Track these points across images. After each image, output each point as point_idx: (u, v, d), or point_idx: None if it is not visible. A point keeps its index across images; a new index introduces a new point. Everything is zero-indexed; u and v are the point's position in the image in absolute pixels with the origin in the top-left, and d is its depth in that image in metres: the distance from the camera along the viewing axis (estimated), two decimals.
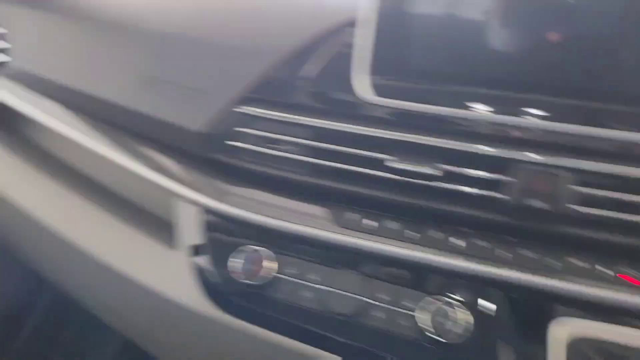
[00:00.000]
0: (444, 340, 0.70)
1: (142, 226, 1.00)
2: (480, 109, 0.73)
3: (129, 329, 1.10)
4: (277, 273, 0.80)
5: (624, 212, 0.69)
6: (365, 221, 0.80)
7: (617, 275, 0.69)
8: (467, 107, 0.73)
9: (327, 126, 0.81)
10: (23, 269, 1.70)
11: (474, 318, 0.71)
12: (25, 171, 1.20)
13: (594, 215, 0.70)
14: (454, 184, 0.76)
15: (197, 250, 0.88)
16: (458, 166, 0.75)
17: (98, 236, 1.02)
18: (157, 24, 0.99)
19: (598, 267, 0.70)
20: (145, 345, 1.06)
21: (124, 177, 1.04)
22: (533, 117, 0.71)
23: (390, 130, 0.78)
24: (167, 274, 0.91)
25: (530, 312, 0.70)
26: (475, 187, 0.75)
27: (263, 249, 0.82)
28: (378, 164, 0.79)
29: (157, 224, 1.01)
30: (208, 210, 0.89)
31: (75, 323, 2.00)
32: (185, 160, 0.96)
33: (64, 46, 1.15)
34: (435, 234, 0.76)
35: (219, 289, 0.84)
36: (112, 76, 1.04)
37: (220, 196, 0.89)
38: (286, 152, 0.85)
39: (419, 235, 0.77)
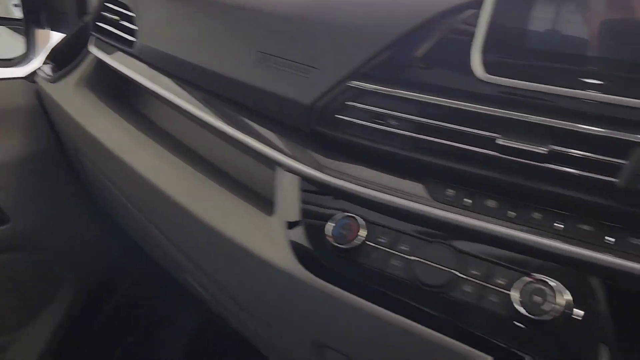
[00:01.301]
0: (537, 319, 0.69)
1: (244, 194, 1.06)
2: (593, 89, 0.72)
3: (225, 292, 1.15)
4: (369, 241, 0.82)
5: None
6: (464, 198, 0.80)
7: None
8: (578, 86, 0.72)
9: (436, 102, 0.82)
10: (124, 236, 1.84)
11: (573, 300, 0.69)
12: (142, 139, 1.31)
13: None
14: (561, 165, 0.74)
15: (295, 217, 0.92)
16: (567, 147, 0.74)
17: (203, 200, 1.09)
18: (274, 4, 1.05)
19: None
20: (237, 309, 1.12)
21: (227, 147, 1.12)
22: None
23: (499, 109, 0.78)
24: (266, 238, 0.95)
25: (634, 303, 0.67)
26: (584, 170, 0.73)
27: (357, 216, 0.84)
28: (485, 142, 0.79)
29: (258, 193, 1.07)
30: (306, 179, 0.93)
31: (159, 297, 2.12)
32: (291, 133, 1.01)
33: (185, 27, 1.25)
34: (537, 215, 0.75)
35: (312, 253, 0.87)
36: (228, 53, 1.11)
37: (319, 166, 0.93)
38: (394, 127, 0.87)
39: (517, 214, 0.76)
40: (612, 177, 0.70)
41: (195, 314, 2.04)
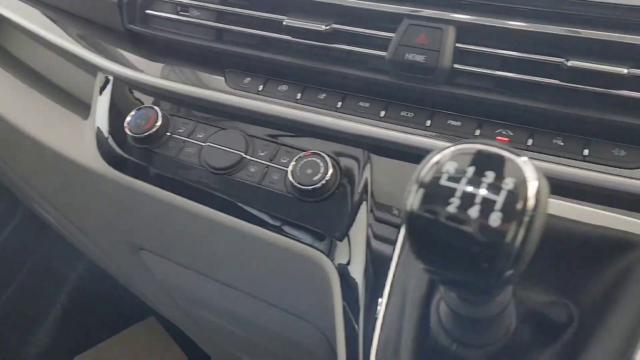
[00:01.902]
0: (308, 188, 0.70)
1: (66, 102, 1.03)
2: None
3: (38, 192, 1.12)
4: (167, 131, 0.82)
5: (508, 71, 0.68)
6: (259, 85, 0.80)
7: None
8: None
9: None
10: None
11: (341, 170, 0.71)
12: None
13: (477, 73, 0.69)
14: (344, 44, 0.75)
15: (104, 116, 0.90)
16: (348, 25, 0.74)
17: (26, 110, 1.04)
18: None
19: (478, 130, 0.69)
20: (52, 208, 1.09)
21: (52, 56, 1.07)
22: None
23: None
24: (79, 141, 0.93)
25: (397, 168, 0.70)
26: (362, 47, 0.74)
27: (156, 107, 0.83)
28: (275, 25, 0.79)
29: (78, 99, 1.03)
30: (120, 78, 0.91)
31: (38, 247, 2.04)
32: (109, 36, 0.97)
33: None
34: (322, 95, 0.76)
35: (113, 148, 0.85)
36: None
37: (131, 65, 0.91)
38: (197, 18, 0.85)
39: (304, 96, 0.77)
40: (382, 52, 0.72)
41: (77, 264, 1.98)
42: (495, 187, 0.36)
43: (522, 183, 0.37)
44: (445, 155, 0.39)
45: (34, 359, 1.77)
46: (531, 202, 0.36)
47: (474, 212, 0.36)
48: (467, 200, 0.36)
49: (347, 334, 0.64)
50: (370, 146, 0.72)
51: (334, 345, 0.69)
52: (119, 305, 1.81)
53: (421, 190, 0.38)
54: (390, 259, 0.63)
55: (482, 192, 0.36)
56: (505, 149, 0.39)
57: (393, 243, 0.64)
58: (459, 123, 0.70)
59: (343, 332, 0.64)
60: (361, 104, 0.75)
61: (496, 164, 0.38)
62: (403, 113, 0.72)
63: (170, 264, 0.91)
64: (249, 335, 1.06)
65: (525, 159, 0.38)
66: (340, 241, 0.69)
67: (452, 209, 0.36)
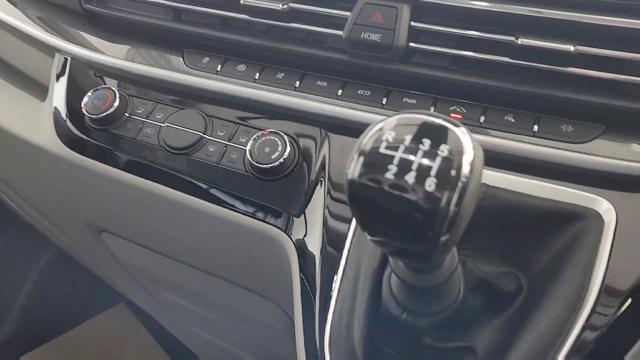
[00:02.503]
0: (266, 167, 0.70)
1: (20, 83, 1.01)
2: None
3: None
4: (125, 112, 0.81)
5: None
6: (217, 65, 0.80)
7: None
8: None
9: None
10: None
11: (299, 150, 0.72)
12: None
13: (432, 52, 0.70)
14: (301, 23, 0.75)
15: (61, 97, 0.89)
16: (302, 3, 0.75)
17: None
18: None
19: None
20: (14, 193, 1.07)
21: (8, 37, 1.04)
22: None
23: None
24: (36, 123, 0.91)
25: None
26: (319, 25, 0.74)
27: (114, 87, 0.82)
28: (233, 5, 0.79)
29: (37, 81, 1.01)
30: (77, 59, 0.89)
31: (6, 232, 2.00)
32: (68, 18, 0.96)
33: None
34: (274, 73, 0.77)
35: (71, 129, 0.84)
36: None
37: (90, 46, 0.89)
38: None
39: (262, 76, 0.77)
40: (339, 31, 0.73)
41: (44, 251, 1.96)
42: (431, 154, 0.38)
43: (457, 150, 0.38)
44: (385, 125, 0.40)
45: None
46: (465, 169, 0.37)
47: (410, 178, 0.37)
48: (404, 167, 0.37)
49: (304, 308, 0.65)
50: (328, 125, 0.73)
51: (293, 320, 0.70)
52: (88, 292, 1.79)
53: (361, 159, 0.39)
54: (346, 234, 0.64)
55: (419, 159, 0.37)
56: (444, 119, 0.40)
57: (349, 218, 0.65)
58: (414, 101, 0.72)
59: (300, 306, 0.65)
60: (319, 83, 0.75)
61: (433, 132, 0.39)
62: (360, 91, 0.73)
63: (131, 246, 0.91)
64: (214, 316, 1.06)
65: (462, 128, 0.40)
66: (298, 218, 0.70)
67: (389, 175, 0.37)
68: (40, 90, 0.96)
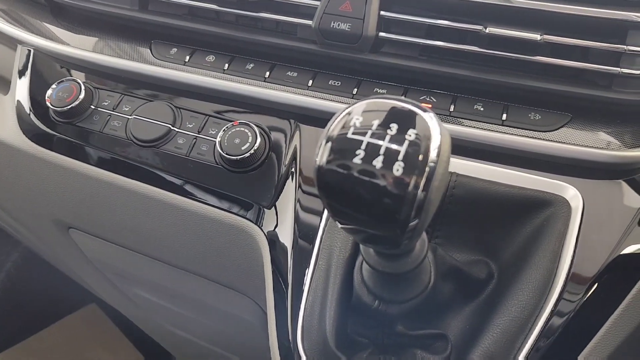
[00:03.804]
0: (236, 158, 0.69)
1: None
2: None
3: None
4: (91, 104, 0.79)
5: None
6: (186, 55, 0.79)
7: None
8: None
9: None
10: None
11: (270, 141, 0.71)
12: None
13: (402, 42, 0.70)
14: (271, 12, 0.74)
15: (24, 90, 0.86)
16: None
17: None
18: None
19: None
20: None
21: None
22: None
23: None
24: None
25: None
26: (286, 15, 0.74)
27: (79, 79, 0.80)
28: None
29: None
30: (40, 51, 0.87)
31: None
32: (33, 10, 0.93)
33: None
34: (244, 64, 0.76)
35: (35, 122, 0.82)
36: None
37: (55, 38, 0.87)
38: None
39: (232, 67, 0.76)
40: (307, 20, 0.72)
41: (12, 252, 1.91)
42: (399, 139, 0.37)
43: (424, 135, 0.38)
44: (353, 110, 0.40)
45: None
46: (433, 153, 0.37)
47: (378, 162, 0.37)
48: (372, 151, 0.37)
49: (277, 300, 0.65)
50: (299, 115, 0.72)
51: (266, 312, 0.69)
52: (58, 293, 1.75)
53: (329, 145, 0.39)
54: (318, 224, 0.64)
55: (386, 143, 0.37)
56: (412, 104, 0.40)
57: (320, 209, 0.65)
58: (384, 91, 0.71)
59: (273, 298, 0.65)
60: (289, 73, 0.74)
61: (401, 117, 0.39)
62: (331, 82, 0.73)
63: (100, 242, 0.89)
64: (188, 313, 1.05)
65: (430, 113, 0.39)
66: (269, 209, 0.69)
67: (357, 160, 0.37)
68: (2, 84, 0.93)
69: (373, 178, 0.37)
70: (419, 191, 0.37)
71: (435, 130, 0.38)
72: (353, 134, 0.38)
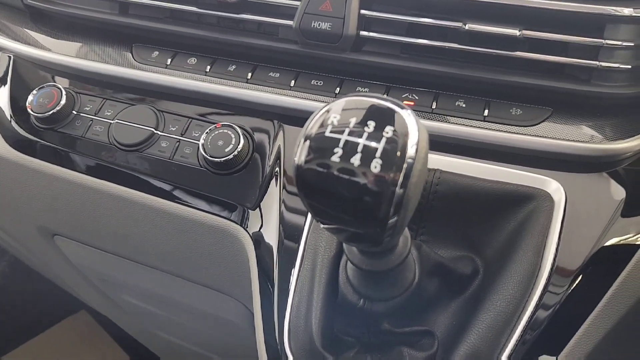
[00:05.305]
0: (219, 160, 0.69)
1: None
2: None
3: None
4: (73, 110, 0.78)
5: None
6: (167, 58, 0.79)
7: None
8: None
9: None
10: None
11: (254, 142, 0.71)
12: None
13: (382, 40, 0.70)
14: (251, 14, 0.74)
15: (5, 97, 0.85)
16: None
17: None
18: None
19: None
20: None
21: None
22: None
23: None
24: None
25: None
26: (268, 16, 0.74)
27: (60, 85, 0.79)
28: None
29: None
30: (20, 56, 0.86)
31: None
32: (8, 13, 0.92)
33: None
34: (226, 66, 0.76)
35: (16, 129, 0.81)
36: None
37: (34, 42, 0.86)
38: None
39: (214, 69, 0.76)
40: (288, 21, 0.72)
41: (1, 261, 1.89)
42: (376, 136, 0.37)
43: (402, 132, 0.38)
44: (331, 109, 0.40)
45: None
46: (411, 150, 0.37)
47: (356, 160, 0.37)
48: (350, 149, 0.37)
49: (263, 301, 0.65)
50: (282, 116, 0.72)
51: (252, 313, 0.69)
52: (48, 301, 1.74)
53: (307, 143, 0.39)
54: (303, 224, 0.64)
55: (364, 140, 0.37)
56: (389, 101, 0.40)
57: (305, 209, 0.65)
58: (367, 89, 0.72)
59: (259, 299, 0.65)
60: (271, 74, 0.74)
61: (379, 114, 0.39)
62: (313, 82, 0.73)
63: (85, 248, 0.88)
64: (176, 317, 1.04)
65: (408, 110, 0.39)
66: (254, 210, 0.69)
67: (335, 158, 0.37)
68: None
69: (351, 176, 0.37)
70: (397, 188, 0.37)
71: (412, 126, 0.38)
72: (331, 132, 0.38)
